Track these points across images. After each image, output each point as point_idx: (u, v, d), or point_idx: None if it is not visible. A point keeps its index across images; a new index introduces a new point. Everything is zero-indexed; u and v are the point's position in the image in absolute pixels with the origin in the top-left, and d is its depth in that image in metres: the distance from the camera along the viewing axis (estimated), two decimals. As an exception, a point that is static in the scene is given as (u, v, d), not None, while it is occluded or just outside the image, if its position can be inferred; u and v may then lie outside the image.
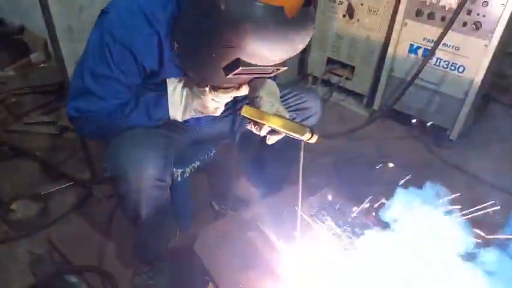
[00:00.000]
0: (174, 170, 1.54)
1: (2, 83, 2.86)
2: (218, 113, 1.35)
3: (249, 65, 1.04)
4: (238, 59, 1.02)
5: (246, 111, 1.26)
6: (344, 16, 2.62)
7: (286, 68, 1.14)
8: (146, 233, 1.44)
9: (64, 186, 2.09)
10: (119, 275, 1.64)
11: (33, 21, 3.13)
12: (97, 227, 1.87)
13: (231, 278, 1.12)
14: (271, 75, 1.18)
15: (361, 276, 1.11)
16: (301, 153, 1.18)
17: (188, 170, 1.63)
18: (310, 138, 1.13)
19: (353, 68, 2.77)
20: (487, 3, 2.04)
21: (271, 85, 1.43)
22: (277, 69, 1.14)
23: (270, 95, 1.38)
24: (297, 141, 1.17)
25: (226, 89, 1.24)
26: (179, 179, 1.58)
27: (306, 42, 1.07)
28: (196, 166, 1.66)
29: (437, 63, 2.30)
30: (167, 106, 1.29)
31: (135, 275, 1.58)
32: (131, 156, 1.18)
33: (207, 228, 1.31)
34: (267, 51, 1.01)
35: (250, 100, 1.40)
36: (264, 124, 1.25)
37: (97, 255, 1.74)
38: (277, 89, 1.47)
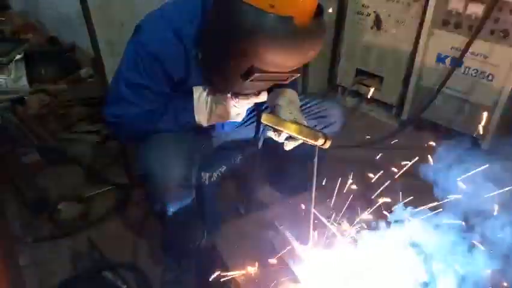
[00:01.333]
0: (202, 173, 1.65)
1: (54, 96, 3.14)
2: (240, 119, 1.45)
3: (264, 71, 1.14)
4: (253, 66, 1.12)
5: (265, 118, 1.36)
6: (371, 27, 2.67)
7: (299, 74, 1.22)
8: (172, 232, 1.55)
9: (105, 189, 2.26)
10: (151, 272, 1.76)
11: (83, 39, 3.41)
12: (133, 227, 2.01)
13: (251, 274, 1.20)
14: (287, 81, 1.26)
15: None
16: (316, 158, 1.25)
17: (215, 174, 1.73)
18: (324, 143, 1.20)
19: (381, 79, 2.79)
20: (515, 11, 2.03)
21: (291, 94, 1.52)
22: (291, 76, 1.22)
23: (289, 103, 1.48)
24: (314, 148, 1.25)
25: (247, 95, 1.33)
26: (207, 182, 1.69)
27: (317, 50, 1.15)
28: (222, 171, 1.77)
29: (466, 72, 2.28)
30: (193, 112, 1.40)
31: (165, 272, 1.69)
32: (158, 158, 1.30)
33: (229, 227, 1.40)
34: (279, 59, 1.10)
35: (271, 108, 1.49)
36: (282, 131, 1.34)
37: (131, 254, 1.87)
38: (297, 98, 1.56)
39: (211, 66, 1.29)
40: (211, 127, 1.57)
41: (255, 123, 1.69)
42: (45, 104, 3.04)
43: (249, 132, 1.72)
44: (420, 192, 1.32)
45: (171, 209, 1.38)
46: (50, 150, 2.55)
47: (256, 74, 1.14)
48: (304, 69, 2.41)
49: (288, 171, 1.91)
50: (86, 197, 2.20)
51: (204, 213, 1.72)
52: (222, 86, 1.32)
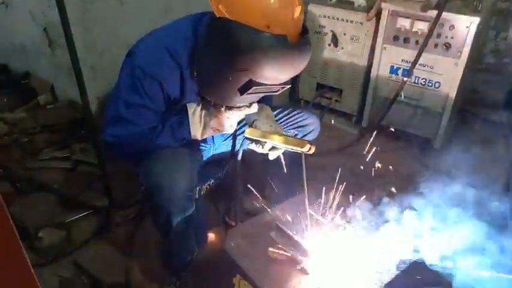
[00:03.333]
0: (192, 187, 1.72)
1: (14, 125, 3.04)
2: (232, 130, 1.56)
3: (260, 84, 1.26)
4: (250, 80, 1.25)
5: (249, 132, 1.49)
6: (329, 45, 2.90)
7: (290, 85, 1.37)
8: (175, 243, 1.60)
9: (84, 214, 2.23)
10: (147, 289, 1.78)
11: (40, 67, 3.36)
12: (120, 248, 2.00)
13: (259, 270, 1.30)
14: (278, 92, 1.40)
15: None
16: (303, 163, 1.40)
17: (204, 187, 1.81)
18: (309, 150, 1.36)
19: (341, 91, 3.02)
20: (454, 27, 2.33)
21: (267, 110, 1.66)
22: (282, 87, 1.36)
23: (267, 117, 1.62)
24: (297, 155, 1.39)
25: (239, 107, 1.45)
26: (196, 196, 1.76)
27: (306, 63, 1.31)
28: (211, 184, 1.85)
29: (416, 81, 2.57)
30: (189, 127, 1.49)
31: (164, 285, 1.72)
32: (164, 171, 1.37)
33: (233, 230, 1.49)
34: (275, 72, 1.24)
35: (249, 123, 1.62)
36: (265, 142, 1.47)
37: (122, 273, 1.86)
38: (272, 113, 1.70)
39: (208, 83, 1.39)
40: (203, 141, 1.66)
41: (231, 138, 1.80)
42: (5, 133, 2.93)
43: (227, 147, 1.82)
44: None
45: (175, 220, 1.44)
46: (19, 180, 2.48)
47: (254, 87, 1.27)
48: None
49: (272, 179, 2.03)
50: (66, 222, 2.17)
51: (194, 226, 1.78)
52: (219, 100, 1.43)
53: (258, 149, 1.53)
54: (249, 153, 1.62)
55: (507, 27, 3.13)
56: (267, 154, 1.56)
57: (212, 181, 1.85)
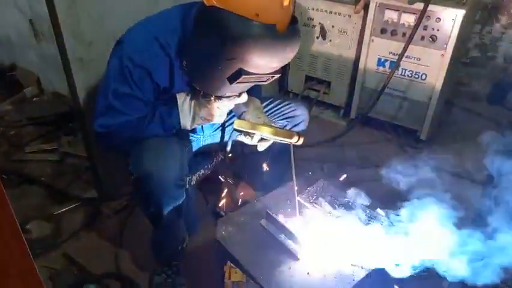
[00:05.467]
0: (182, 177, 1.73)
1: (0, 118, 3.00)
2: (222, 120, 1.57)
3: (250, 73, 1.27)
4: (240, 69, 1.26)
5: (238, 124, 1.50)
6: (317, 38, 2.91)
7: (280, 75, 1.38)
8: (165, 232, 1.61)
9: (73, 206, 2.22)
10: (137, 279, 1.78)
11: (26, 59, 3.32)
12: (109, 239, 2.00)
13: (249, 257, 1.32)
14: (267, 82, 1.41)
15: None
16: (292, 154, 1.42)
17: (194, 177, 1.82)
18: (298, 141, 1.38)
19: (329, 83, 3.04)
20: (440, 19, 2.37)
21: (255, 101, 1.68)
22: (272, 77, 1.37)
23: (255, 109, 1.63)
24: (286, 146, 1.41)
25: (229, 97, 1.46)
26: (187, 186, 1.77)
27: (295, 52, 1.32)
28: (201, 174, 1.86)
29: (403, 73, 2.60)
30: (179, 116, 1.49)
31: (154, 275, 1.72)
32: (154, 160, 1.38)
33: (224, 219, 1.51)
34: (264, 61, 1.25)
35: (238, 115, 1.63)
36: (254, 134, 1.49)
37: (113, 263, 1.87)
38: (261, 105, 1.71)
39: (197, 72, 1.40)
40: (193, 131, 1.67)
41: (220, 129, 1.81)
42: (-10, 126, 2.90)
43: (216, 138, 1.83)
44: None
45: (166, 209, 1.45)
46: (6, 173, 2.45)
47: (243, 76, 1.28)
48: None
49: (260, 169, 2.04)
50: (54, 214, 2.16)
51: (184, 216, 1.79)
52: (208, 90, 1.43)
53: (246, 140, 1.54)
54: (239, 144, 1.63)
55: (492, 21, 3.19)
56: (257, 145, 1.57)
57: (202, 171, 1.86)
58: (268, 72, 1.32)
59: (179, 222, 1.60)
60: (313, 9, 2.84)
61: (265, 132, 1.45)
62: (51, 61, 2.67)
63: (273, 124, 1.62)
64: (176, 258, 1.73)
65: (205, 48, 1.30)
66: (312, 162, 2.48)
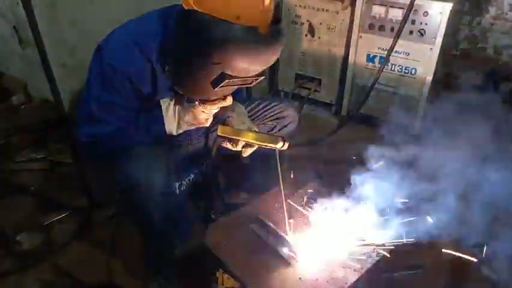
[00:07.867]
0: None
1: (-13, 127, 2.96)
2: (208, 124, 1.54)
3: (233, 77, 1.24)
4: (223, 73, 1.23)
5: (221, 130, 1.47)
6: (306, 35, 2.89)
7: (264, 77, 1.35)
8: (155, 240, 1.58)
9: (63, 215, 2.19)
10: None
11: (12, 67, 3.27)
12: (101, 248, 1.97)
13: (241, 263, 1.30)
14: (252, 84, 1.38)
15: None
16: (278, 159, 1.39)
17: (184, 183, 1.79)
18: (283, 146, 1.35)
19: (319, 81, 3.02)
20: (427, 13, 2.35)
21: (239, 107, 1.64)
22: (256, 79, 1.34)
23: (239, 114, 1.60)
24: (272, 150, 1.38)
25: (214, 101, 1.43)
26: (177, 191, 1.75)
27: (278, 54, 1.29)
28: (191, 179, 1.84)
29: (393, 68, 2.58)
30: (163, 123, 1.46)
31: (147, 284, 1.70)
32: (139, 168, 1.35)
33: (215, 224, 1.48)
34: (247, 65, 1.22)
35: (222, 121, 1.60)
36: (239, 140, 1.46)
37: (104, 273, 1.83)
38: (244, 110, 1.67)
39: (180, 77, 1.37)
40: (179, 136, 1.64)
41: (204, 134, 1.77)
42: (-22, 137, 2.85)
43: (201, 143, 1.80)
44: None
45: (155, 218, 1.42)
46: (-5, 183, 2.42)
47: (226, 80, 1.25)
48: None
49: (249, 172, 2.02)
50: (45, 224, 2.13)
51: (176, 223, 1.77)
52: (192, 94, 1.40)
53: (230, 147, 1.50)
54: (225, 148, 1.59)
55: (481, 12, 3.17)
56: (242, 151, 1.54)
57: (192, 176, 1.84)
58: (251, 75, 1.30)
59: (170, 230, 1.57)
60: (300, 6, 2.82)
61: (249, 138, 1.42)
62: (37, 68, 2.64)
63: (256, 129, 1.59)
64: (168, 266, 1.70)
65: (185, 53, 1.27)
66: (303, 161, 2.46)
